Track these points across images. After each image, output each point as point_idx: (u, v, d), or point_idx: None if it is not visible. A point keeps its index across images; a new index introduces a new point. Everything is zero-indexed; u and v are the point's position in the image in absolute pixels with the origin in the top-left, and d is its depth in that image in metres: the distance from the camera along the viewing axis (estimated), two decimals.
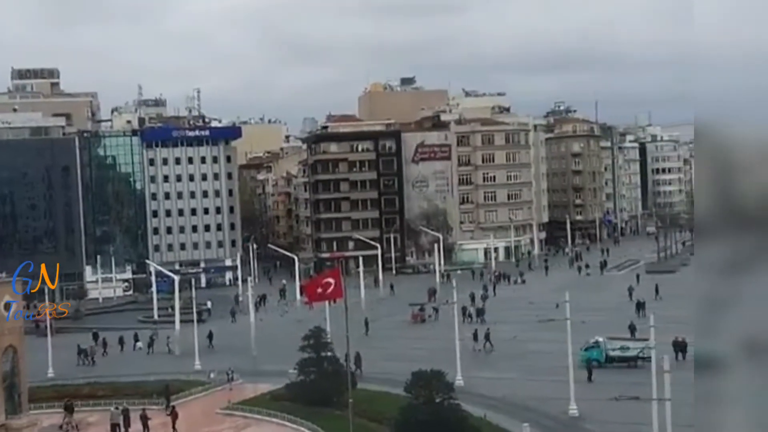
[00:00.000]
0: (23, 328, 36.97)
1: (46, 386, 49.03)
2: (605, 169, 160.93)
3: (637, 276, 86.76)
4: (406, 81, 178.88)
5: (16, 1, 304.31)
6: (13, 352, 35.26)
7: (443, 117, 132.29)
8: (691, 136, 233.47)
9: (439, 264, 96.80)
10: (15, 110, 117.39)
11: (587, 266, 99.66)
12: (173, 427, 41.49)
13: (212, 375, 50.86)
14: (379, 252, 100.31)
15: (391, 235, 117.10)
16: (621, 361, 48.70)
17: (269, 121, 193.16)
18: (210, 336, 63.28)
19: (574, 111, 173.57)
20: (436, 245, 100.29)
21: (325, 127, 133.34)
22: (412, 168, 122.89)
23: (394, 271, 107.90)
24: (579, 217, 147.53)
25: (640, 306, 65.97)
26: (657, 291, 75.91)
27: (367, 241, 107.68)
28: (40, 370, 53.06)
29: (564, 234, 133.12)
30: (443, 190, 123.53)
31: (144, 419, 41.40)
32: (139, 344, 66.33)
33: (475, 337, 57.41)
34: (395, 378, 42.63)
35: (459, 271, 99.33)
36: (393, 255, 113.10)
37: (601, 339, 51.13)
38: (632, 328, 54.73)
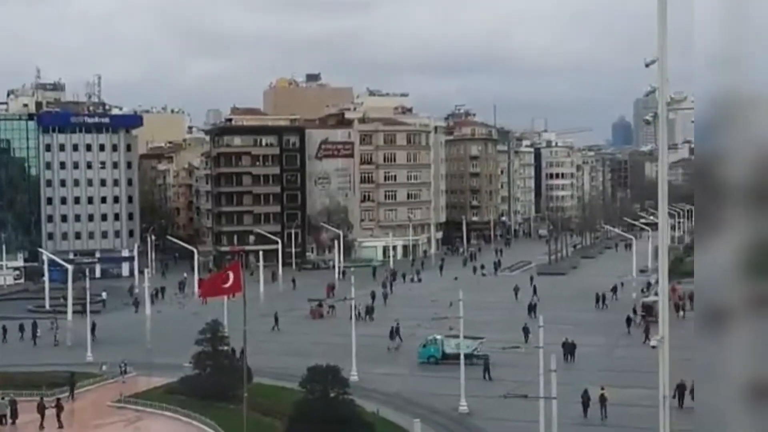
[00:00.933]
0: None
1: None
2: (501, 172, 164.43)
3: (531, 278, 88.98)
4: (312, 77, 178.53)
5: None
6: None
7: (347, 115, 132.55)
8: (585, 143, 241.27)
9: (339, 260, 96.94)
10: None
11: (483, 267, 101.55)
12: (58, 420, 40.27)
13: (104, 367, 49.63)
14: (280, 247, 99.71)
15: (293, 231, 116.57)
16: (456, 358, 48.23)
17: (172, 111, 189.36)
18: (93, 328, 60.01)
19: (474, 114, 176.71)
20: (336, 242, 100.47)
21: (229, 120, 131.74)
22: (315, 164, 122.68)
23: (294, 267, 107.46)
24: (475, 218, 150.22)
25: (531, 308, 67.57)
26: (535, 292, 77.81)
27: (268, 235, 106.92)
28: None
29: (460, 234, 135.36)
30: (345, 187, 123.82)
31: (41, 409, 40.01)
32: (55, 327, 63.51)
33: (392, 335, 57.41)
34: (292, 373, 42.56)
35: (352, 269, 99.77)
36: (293, 250, 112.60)
37: (438, 336, 52.82)
38: (526, 331, 55.65)
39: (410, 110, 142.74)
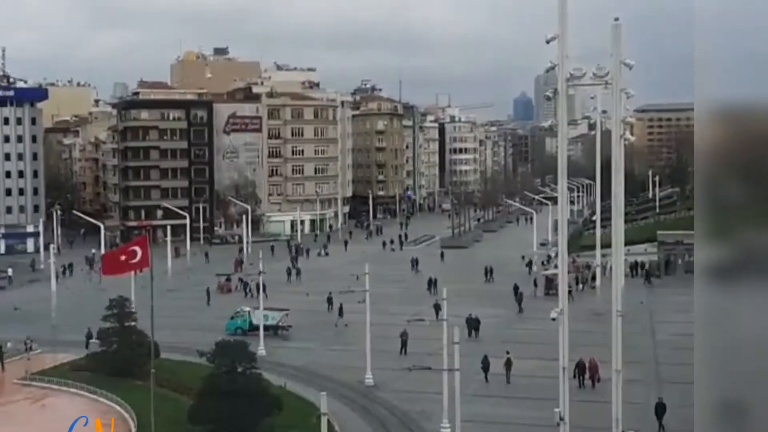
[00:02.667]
0: None
1: None
2: (406, 147, 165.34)
3: (442, 253, 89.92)
4: (219, 51, 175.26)
5: None
6: None
7: (255, 89, 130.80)
8: (487, 119, 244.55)
9: (247, 235, 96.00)
10: None
11: (392, 242, 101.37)
12: None
13: (8, 344, 47.99)
14: (188, 221, 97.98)
15: (201, 205, 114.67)
16: (265, 330, 50.60)
17: (78, 84, 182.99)
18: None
19: (380, 90, 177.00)
20: (244, 216, 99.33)
21: (136, 93, 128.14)
22: (223, 138, 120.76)
23: (202, 241, 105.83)
24: (381, 193, 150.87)
25: (431, 282, 67.08)
26: (442, 260, 78.81)
27: (176, 210, 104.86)
28: None
29: (366, 209, 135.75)
30: (253, 161, 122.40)
31: None
32: None
33: (341, 312, 55.47)
34: (200, 348, 42.02)
35: (261, 243, 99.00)
36: (201, 225, 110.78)
37: (246, 309, 54.81)
38: (437, 308, 54.65)
39: (317, 85, 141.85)
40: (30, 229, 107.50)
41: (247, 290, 67.30)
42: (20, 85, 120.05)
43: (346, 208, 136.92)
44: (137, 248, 35.57)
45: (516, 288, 62.78)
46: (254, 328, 51.58)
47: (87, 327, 48.53)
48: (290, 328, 53.26)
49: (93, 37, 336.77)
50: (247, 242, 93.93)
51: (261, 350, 45.22)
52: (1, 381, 43.10)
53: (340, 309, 55.51)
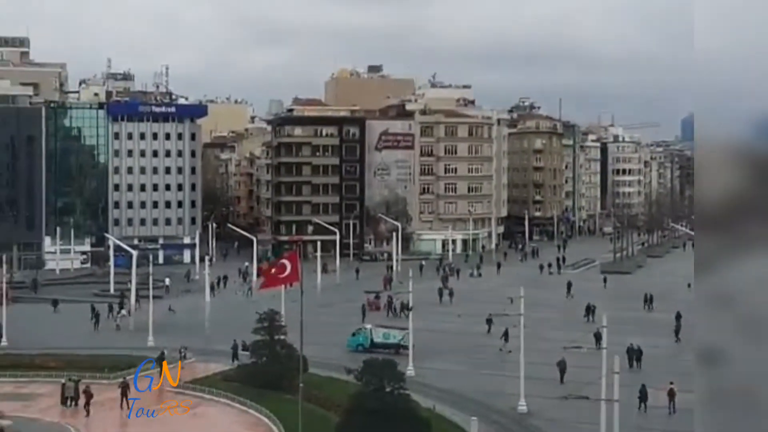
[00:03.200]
0: None
1: None
2: (566, 167, 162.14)
3: (605, 279, 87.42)
4: (373, 68, 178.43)
5: None
6: None
7: (408, 106, 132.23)
8: (653, 139, 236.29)
9: (397, 252, 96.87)
10: None
11: (550, 265, 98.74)
12: (123, 401, 41.06)
13: (164, 352, 50.40)
14: (338, 238, 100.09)
15: (351, 222, 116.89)
16: (384, 348, 51.67)
17: (235, 101, 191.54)
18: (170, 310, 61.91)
19: (538, 107, 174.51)
20: (394, 234, 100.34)
21: (291, 110, 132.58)
22: (374, 155, 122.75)
23: (351, 258, 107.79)
24: (537, 214, 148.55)
25: (589, 309, 64.86)
26: (605, 286, 76.49)
27: (327, 226, 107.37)
28: None
29: (521, 229, 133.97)
30: (404, 179, 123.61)
31: (87, 395, 40.73)
32: (123, 311, 65.33)
33: (506, 336, 53.46)
34: (348, 365, 42.52)
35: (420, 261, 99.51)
36: (351, 241, 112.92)
37: (368, 326, 54.88)
38: (597, 336, 52.66)
39: (473, 102, 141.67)
40: (187, 240, 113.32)
41: (391, 309, 67.63)
42: (181, 101, 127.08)
43: (500, 229, 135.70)
44: (287, 263, 36.52)
45: (678, 316, 60.08)
46: (375, 346, 51.82)
47: (234, 339, 50.23)
48: (413, 347, 52.27)
49: (250, 55, 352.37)
50: (397, 260, 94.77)
51: (410, 370, 45.25)
52: (161, 387, 45.08)
53: (506, 333, 53.94)
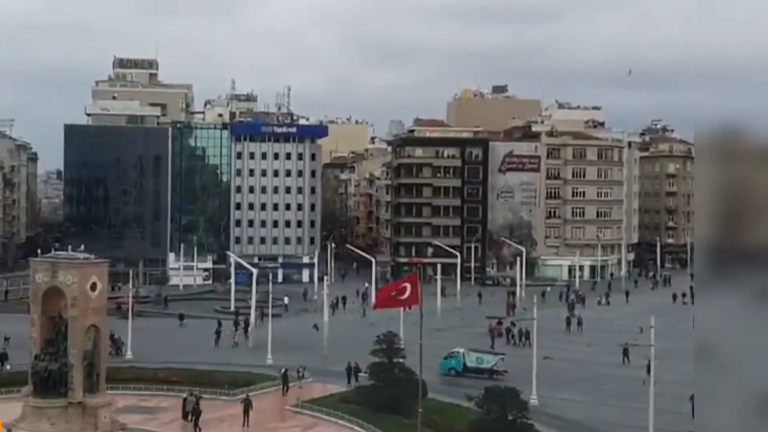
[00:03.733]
0: (106, 309, 38.10)
1: (123, 368, 50.50)
2: None
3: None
4: (498, 89, 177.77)
5: None
6: (96, 331, 36.30)
7: (534, 128, 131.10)
8: None
9: (521, 278, 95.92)
10: (114, 98, 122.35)
11: (684, 294, 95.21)
12: (246, 417, 42.20)
13: (283, 371, 51.54)
14: (459, 261, 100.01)
15: (473, 245, 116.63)
16: (477, 372, 51.67)
17: (356, 122, 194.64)
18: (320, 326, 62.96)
19: (671, 130, 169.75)
20: (518, 258, 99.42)
21: (412, 131, 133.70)
22: (498, 177, 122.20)
23: (472, 282, 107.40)
24: (670, 240, 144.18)
25: None
26: None
27: (447, 248, 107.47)
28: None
29: (653, 256, 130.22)
30: (529, 202, 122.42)
31: (197, 411, 41.91)
32: (238, 331, 67.19)
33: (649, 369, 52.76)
34: (467, 391, 42.44)
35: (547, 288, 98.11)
36: (473, 265, 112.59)
37: (461, 350, 53.98)
38: None
39: (602, 124, 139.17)
40: (306, 260, 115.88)
41: (510, 336, 66.92)
42: (302, 122, 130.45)
43: (631, 255, 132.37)
44: (407, 285, 36.86)
45: None
46: (468, 370, 51.53)
47: (348, 361, 50.84)
48: (506, 373, 52.56)
49: (371, 76, 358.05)
50: (520, 285, 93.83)
51: (533, 399, 44.70)
52: (279, 406, 46.14)
53: (648, 366, 52.48)
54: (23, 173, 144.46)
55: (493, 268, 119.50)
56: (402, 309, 50.30)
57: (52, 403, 35.63)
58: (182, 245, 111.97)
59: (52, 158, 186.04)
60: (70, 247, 39.32)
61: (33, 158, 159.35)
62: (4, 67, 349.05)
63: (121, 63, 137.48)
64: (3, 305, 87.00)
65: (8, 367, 51.78)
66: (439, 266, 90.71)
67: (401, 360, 45.23)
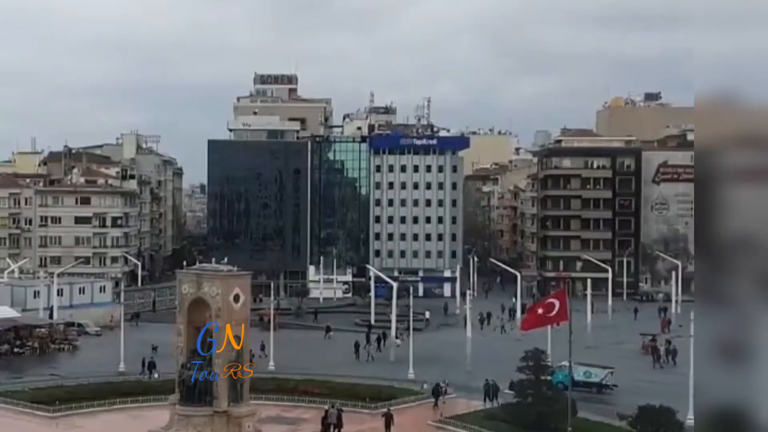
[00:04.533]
0: (249, 321, 39.32)
1: (266, 378, 51.95)
2: None
3: None
4: (650, 96, 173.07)
5: (252, 9, 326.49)
6: (239, 342, 37.57)
7: (690, 136, 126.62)
8: None
9: (676, 293, 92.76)
10: (255, 113, 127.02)
11: None
12: (387, 431, 42.55)
13: (425, 386, 51.69)
14: (610, 275, 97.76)
15: (624, 259, 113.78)
16: (585, 386, 50.67)
17: (499, 132, 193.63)
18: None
19: None
20: (674, 273, 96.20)
21: (559, 141, 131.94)
22: (651, 188, 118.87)
23: (625, 297, 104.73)
24: None
25: None
26: None
27: (598, 263, 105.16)
28: (262, 362, 56.70)
29: None
30: (686, 214, 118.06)
31: (339, 424, 42.48)
32: (398, 341, 67.66)
33: None
34: (620, 410, 41.45)
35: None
36: (625, 279, 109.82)
37: (567, 363, 49.24)
38: None
39: None
40: (447, 274, 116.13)
41: (655, 356, 64.72)
42: (443, 133, 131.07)
43: None
44: (555, 301, 36.42)
45: None
46: (576, 384, 49.85)
47: (486, 378, 50.37)
48: (615, 387, 51.47)
49: (514, 85, 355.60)
50: (676, 301, 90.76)
51: (690, 420, 43.00)
52: (421, 420, 46.16)
53: None
54: (169, 188, 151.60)
55: (646, 283, 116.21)
56: (550, 326, 49.58)
57: (198, 411, 37.01)
58: (322, 258, 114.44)
59: (196, 173, 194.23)
60: (213, 259, 41.19)
61: (178, 173, 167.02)
62: (151, 86, 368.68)
63: (261, 79, 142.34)
64: (151, 315, 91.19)
65: (156, 375, 54.14)
66: (589, 281, 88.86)
67: (549, 378, 44.61)
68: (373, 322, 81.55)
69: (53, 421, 45.30)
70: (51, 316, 75.27)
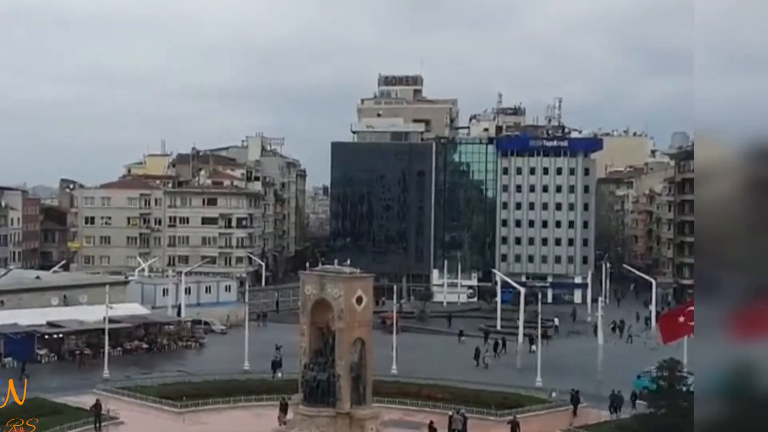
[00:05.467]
0: (372, 323, 39.74)
1: (389, 381, 52.40)
2: None
3: None
4: None
5: (370, 8, 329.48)
6: (362, 344, 37.95)
7: None
8: None
9: None
10: (379, 115, 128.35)
11: None
12: None
13: (554, 394, 51.08)
14: None
15: None
16: None
17: (634, 134, 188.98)
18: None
19: None
20: None
21: None
22: None
23: None
24: None
25: None
26: None
27: None
28: (384, 365, 57.18)
29: None
30: None
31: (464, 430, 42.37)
32: (533, 347, 66.74)
33: None
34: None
35: None
36: None
37: (652, 368, 48.12)
38: None
39: None
40: (577, 280, 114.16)
41: None
42: (574, 135, 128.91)
43: None
44: (693, 309, 35.30)
45: None
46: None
47: (613, 388, 49.25)
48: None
49: (651, 85, 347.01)
50: None
51: None
52: (548, 429, 45.56)
53: None
54: (293, 189, 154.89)
55: None
56: (688, 335, 48.13)
57: (321, 412, 37.62)
58: (446, 261, 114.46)
59: (319, 175, 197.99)
60: (336, 261, 41.67)
61: (302, 175, 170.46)
62: (275, 88, 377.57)
63: (386, 80, 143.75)
64: (275, 315, 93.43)
65: (280, 374, 55.39)
66: None
67: (683, 389, 43.25)
68: (499, 327, 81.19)
69: (180, 417, 47.02)
70: (179, 314, 78.25)
